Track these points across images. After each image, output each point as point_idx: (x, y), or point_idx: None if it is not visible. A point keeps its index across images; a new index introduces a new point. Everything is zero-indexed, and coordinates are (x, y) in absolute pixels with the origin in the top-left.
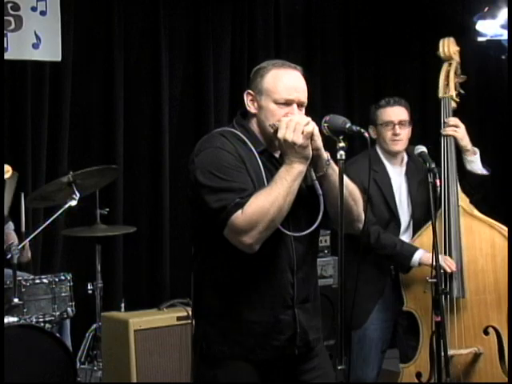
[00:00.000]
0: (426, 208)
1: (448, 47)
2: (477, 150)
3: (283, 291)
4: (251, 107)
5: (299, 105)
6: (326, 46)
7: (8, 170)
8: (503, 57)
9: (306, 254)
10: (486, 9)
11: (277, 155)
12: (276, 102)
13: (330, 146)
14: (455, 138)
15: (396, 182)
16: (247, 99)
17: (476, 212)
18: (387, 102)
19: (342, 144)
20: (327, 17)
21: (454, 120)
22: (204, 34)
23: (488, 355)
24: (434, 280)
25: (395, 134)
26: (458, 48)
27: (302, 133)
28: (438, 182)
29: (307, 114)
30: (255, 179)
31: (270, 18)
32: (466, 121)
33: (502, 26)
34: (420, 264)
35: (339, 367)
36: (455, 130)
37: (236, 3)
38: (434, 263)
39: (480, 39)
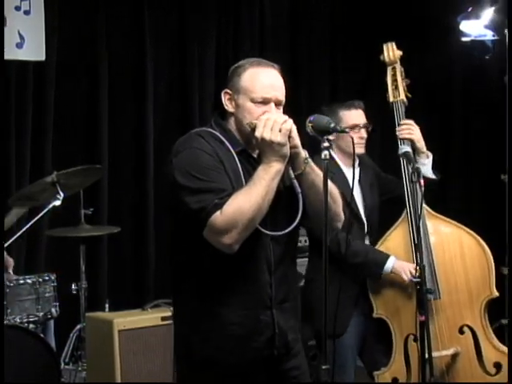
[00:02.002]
0: (379, 211)
1: (392, 52)
2: (430, 154)
3: (262, 292)
4: (229, 106)
5: (277, 103)
6: (312, 46)
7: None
8: (487, 57)
9: (283, 253)
10: (470, 9)
11: (255, 155)
12: (253, 101)
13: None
14: (412, 141)
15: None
16: (225, 98)
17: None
18: (353, 104)
19: (326, 144)
20: (314, 17)
21: (409, 122)
22: (189, 35)
23: (466, 354)
24: (418, 280)
25: (361, 138)
26: (400, 52)
27: (280, 131)
28: (422, 181)
29: (292, 113)
30: (233, 179)
31: (255, 19)
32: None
33: (486, 27)
34: (392, 272)
35: (323, 367)
36: (411, 132)
37: (221, 4)
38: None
39: (464, 39)
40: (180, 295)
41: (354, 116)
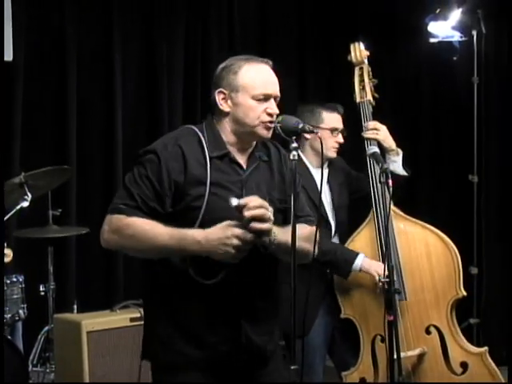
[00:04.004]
0: (348, 211)
1: (360, 52)
2: (400, 151)
3: (225, 300)
4: (224, 106)
5: (275, 98)
6: (280, 45)
7: (9, 255)
8: (454, 58)
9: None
10: (438, 10)
11: (240, 161)
12: (254, 98)
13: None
14: (378, 141)
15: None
16: (219, 98)
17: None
18: (336, 108)
19: (294, 144)
20: (282, 16)
21: (373, 123)
22: (157, 35)
23: (432, 354)
24: (387, 280)
25: (338, 143)
26: (367, 52)
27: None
28: (390, 182)
29: None
30: (195, 181)
31: (224, 19)
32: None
33: (454, 28)
34: (361, 270)
35: (292, 367)
36: (376, 132)
37: (189, 4)
38: (382, 263)
39: (432, 40)
40: (147, 300)
41: (336, 119)
